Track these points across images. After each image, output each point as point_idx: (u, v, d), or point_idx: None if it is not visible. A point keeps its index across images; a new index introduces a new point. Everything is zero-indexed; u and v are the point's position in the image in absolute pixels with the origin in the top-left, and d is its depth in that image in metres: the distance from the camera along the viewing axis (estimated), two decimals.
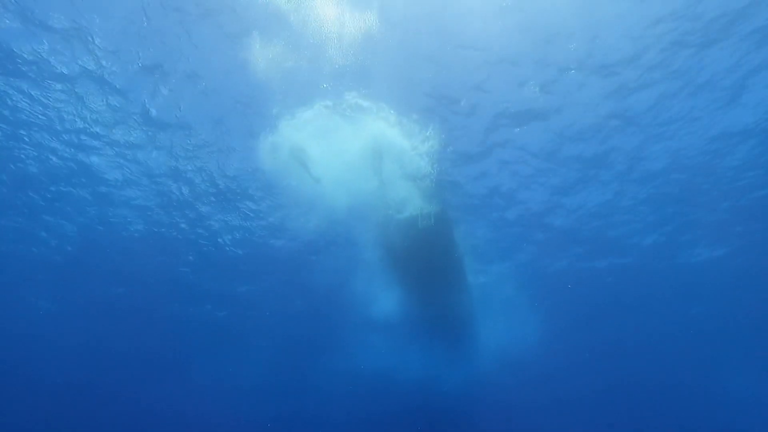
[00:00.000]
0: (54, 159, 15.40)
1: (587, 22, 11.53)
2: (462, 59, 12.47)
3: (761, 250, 20.46)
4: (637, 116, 14.36)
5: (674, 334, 28.53)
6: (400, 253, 15.73)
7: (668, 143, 15.49)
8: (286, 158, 13.97)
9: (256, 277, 22.92)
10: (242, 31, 11.56)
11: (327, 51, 11.87)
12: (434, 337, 19.90)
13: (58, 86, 12.73)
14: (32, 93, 12.93)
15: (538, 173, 16.88)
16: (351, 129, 13.64)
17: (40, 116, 13.74)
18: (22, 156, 15.23)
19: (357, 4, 11.04)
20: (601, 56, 12.30)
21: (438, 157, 15.01)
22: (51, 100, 13.18)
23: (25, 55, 11.69)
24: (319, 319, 26.29)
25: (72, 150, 15.08)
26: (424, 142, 14.42)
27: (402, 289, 17.83)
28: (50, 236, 19.37)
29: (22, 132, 14.34)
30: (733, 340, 28.41)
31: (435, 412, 30.81)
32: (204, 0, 10.89)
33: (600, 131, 15.02)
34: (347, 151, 13.94)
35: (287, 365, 32.04)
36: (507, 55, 12.31)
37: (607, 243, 20.78)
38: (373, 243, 16.99)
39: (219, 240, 20.23)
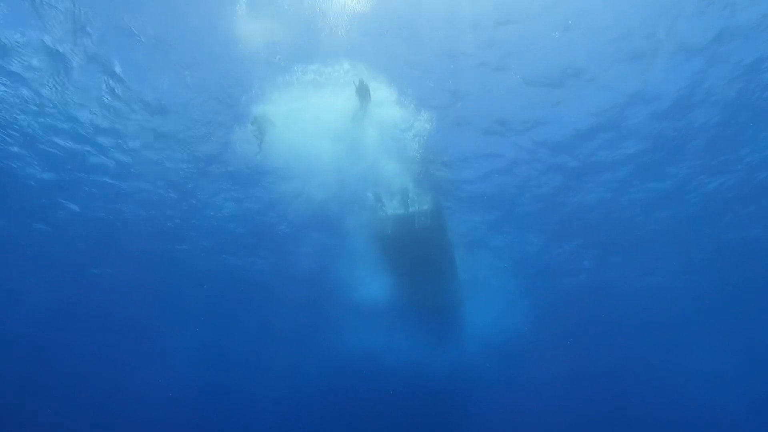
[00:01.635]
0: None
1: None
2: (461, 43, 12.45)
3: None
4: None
5: (639, 310, 29.72)
6: (389, 241, 15.84)
7: None
8: (252, 126, 12.90)
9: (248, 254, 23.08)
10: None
11: (317, 24, 11.61)
12: (423, 322, 20.30)
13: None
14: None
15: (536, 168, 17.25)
16: (337, 90, 12.81)
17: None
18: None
19: None
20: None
21: (429, 141, 14.82)
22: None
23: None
24: (308, 303, 26.59)
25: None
26: (418, 123, 14.17)
27: (392, 276, 18.02)
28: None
29: None
30: (694, 315, 29.81)
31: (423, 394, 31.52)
32: None
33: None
34: (330, 115, 13.11)
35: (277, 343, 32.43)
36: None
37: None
38: (364, 229, 17.00)
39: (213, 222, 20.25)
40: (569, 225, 20.88)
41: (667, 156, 16.75)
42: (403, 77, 13.07)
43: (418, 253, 15.46)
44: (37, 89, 13.15)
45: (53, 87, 13.16)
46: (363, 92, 12.17)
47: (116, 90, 13.39)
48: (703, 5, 11.39)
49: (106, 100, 13.71)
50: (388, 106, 13.27)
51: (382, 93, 12.97)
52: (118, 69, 12.77)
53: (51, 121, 14.41)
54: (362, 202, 16.54)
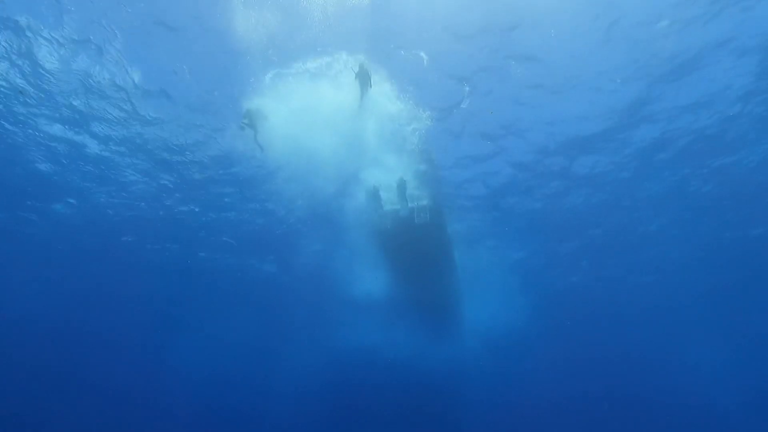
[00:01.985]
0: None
1: None
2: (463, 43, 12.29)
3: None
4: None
5: (638, 309, 29.90)
6: (389, 236, 15.74)
7: None
8: (244, 120, 12.73)
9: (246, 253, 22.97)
10: None
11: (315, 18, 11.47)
12: (422, 317, 20.27)
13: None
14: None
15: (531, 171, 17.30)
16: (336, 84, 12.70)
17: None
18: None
19: None
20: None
21: (429, 138, 14.74)
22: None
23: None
24: (308, 299, 26.58)
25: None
26: (417, 120, 14.12)
27: (391, 271, 17.95)
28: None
29: None
30: (691, 313, 30.06)
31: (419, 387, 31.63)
32: None
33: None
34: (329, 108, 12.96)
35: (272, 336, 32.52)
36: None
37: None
38: (364, 225, 16.93)
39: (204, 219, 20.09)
40: (569, 225, 20.87)
41: (667, 158, 16.76)
42: (403, 74, 12.89)
43: (418, 249, 15.38)
44: (30, 78, 12.90)
45: (47, 76, 12.90)
46: (363, 77, 11.96)
47: (106, 76, 13.00)
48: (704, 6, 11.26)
49: (97, 87, 13.39)
50: (387, 99, 13.12)
51: (382, 87, 12.81)
52: (111, 55, 12.45)
53: (47, 111, 14.18)
54: (362, 197, 16.43)
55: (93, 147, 15.72)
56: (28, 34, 11.49)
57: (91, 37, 11.79)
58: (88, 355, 32.10)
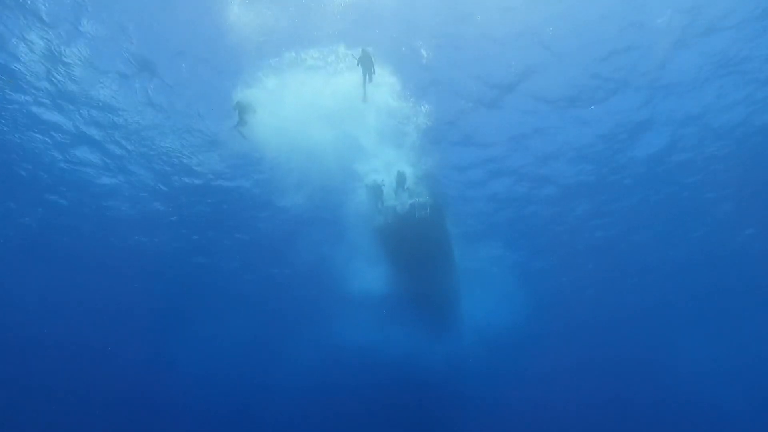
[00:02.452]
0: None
1: None
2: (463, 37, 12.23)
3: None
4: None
5: (637, 310, 30.14)
6: (389, 232, 15.72)
7: None
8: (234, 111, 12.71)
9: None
10: None
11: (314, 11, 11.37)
12: (421, 314, 20.32)
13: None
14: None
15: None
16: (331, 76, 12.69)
17: None
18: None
19: None
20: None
21: (428, 133, 14.69)
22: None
23: None
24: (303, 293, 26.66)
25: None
26: (417, 116, 14.11)
27: (391, 267, 17.93)
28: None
29: None
30: (691, 315, 30.31)
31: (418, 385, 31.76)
32: None
33: None
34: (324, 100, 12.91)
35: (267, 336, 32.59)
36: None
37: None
38: (364, 221, 16.88)
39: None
40: (569, 226, 20.94)
41: (666, 164, 16.92)
42: (404, 71, 12.82)
43: (418, 245, 15.38)
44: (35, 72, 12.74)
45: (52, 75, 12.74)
46: (366, 62, 11.88)
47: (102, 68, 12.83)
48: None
49: (93, 80, 13.20)
50: (388, 96, 13.09)
51: (383, 84, 12.75)
52: (108, 49, 12.25)
53: (43, 101, 14.01)
54: (362, 193, 16.38)
55: (91, 144, 15.56)
56: (22, 22, 11.30)
57: (86, 28, 11.65)
58: (90, 355, 32.05)
